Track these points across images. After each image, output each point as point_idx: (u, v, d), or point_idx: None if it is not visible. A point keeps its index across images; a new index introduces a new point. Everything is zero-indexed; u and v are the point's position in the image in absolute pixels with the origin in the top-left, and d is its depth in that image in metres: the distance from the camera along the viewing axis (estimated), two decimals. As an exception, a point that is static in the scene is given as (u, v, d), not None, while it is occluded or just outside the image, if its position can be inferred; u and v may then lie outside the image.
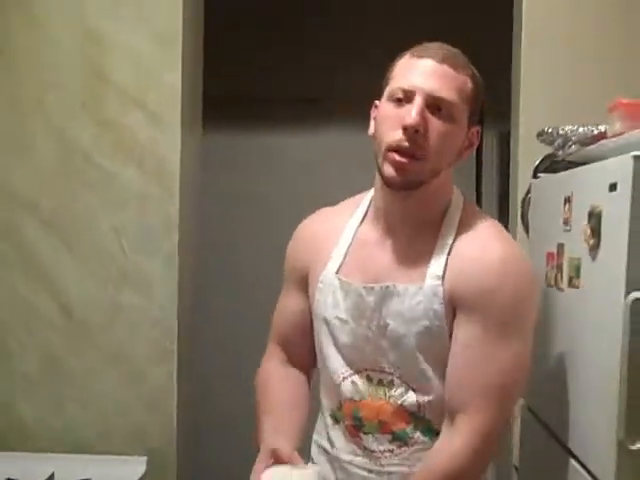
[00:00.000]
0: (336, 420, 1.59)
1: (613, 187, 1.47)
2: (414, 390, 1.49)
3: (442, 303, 1.44)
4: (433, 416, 1.49)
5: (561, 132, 1.91)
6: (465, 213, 1.52)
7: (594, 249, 1.57)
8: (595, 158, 1.73)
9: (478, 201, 3.75)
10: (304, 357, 1.67)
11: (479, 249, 1.46)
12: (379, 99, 1.50)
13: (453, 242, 1.47)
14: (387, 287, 1.48)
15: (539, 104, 2.34)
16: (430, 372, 1.47)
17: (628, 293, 1.40)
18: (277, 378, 1.66)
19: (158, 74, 2.35)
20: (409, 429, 1.50)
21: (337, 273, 1.55)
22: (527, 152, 2.32)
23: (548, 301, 1.89)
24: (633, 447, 1.40)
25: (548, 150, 2.13)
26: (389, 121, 1.43)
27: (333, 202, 1.71)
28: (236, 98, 3.42)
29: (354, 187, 1.70)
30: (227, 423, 3.39)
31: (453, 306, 1.45)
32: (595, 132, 1.83)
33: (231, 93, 3.35)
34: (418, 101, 1.40)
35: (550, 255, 1.89)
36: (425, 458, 1.48)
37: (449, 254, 1.46)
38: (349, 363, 1.54)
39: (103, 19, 2.35)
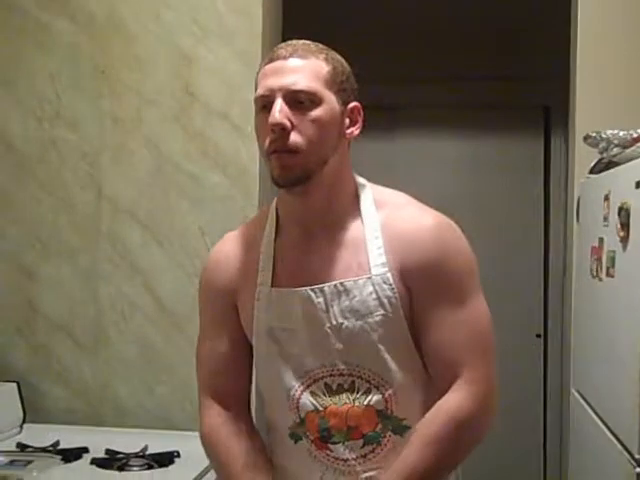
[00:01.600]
0: (297, 438, 1.49)
1: (638, 184, 1.63)
2: (377, 387, 1.44)
3: (393, 288, 1.41)
4: (400, 411, 1.45)
5: (604, 136, 2.05)
6: (377, 194, 1.49)
7: (624, 241, 1.72)
8: (633, 159, 1.88)
9: (546, 202, 3.85)
10: (243, 401, 1.58)
11: (411, 221, 1.44)
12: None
13: (380, 223, 1.45)
14: (335, 285, 1.43)
15: (594, 108, 2.49)
16: (393, 364, 1.43)
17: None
18: (230, 439, 1.53)
19: (240, 90, 2.61)
20: (379, 429, 1.45)
21: (272, 286, 1.48)
22: (583, 154, 2.46)
23: (592, 291, 2.04)
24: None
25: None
26: (261, 129, 1.42)
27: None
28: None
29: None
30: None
31: (406, 286, 1.42)
32: (634, 135, 1.97)
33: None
34: (278, 101, 1.38)
35: (594, 249, 2.04)
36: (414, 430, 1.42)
37: (383, 236, 1.44)
38: (303, 374, 1.46)
39: (192, 40, 2.63)
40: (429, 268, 1.41)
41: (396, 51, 3.69)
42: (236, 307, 1.53)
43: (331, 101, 1.42)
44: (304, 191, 1.43)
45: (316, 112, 1.40)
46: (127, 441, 2.43)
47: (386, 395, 1.44)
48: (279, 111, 1.37)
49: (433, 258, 1.41)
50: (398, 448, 1.42)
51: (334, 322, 1.43)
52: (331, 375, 1.45)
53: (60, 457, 2.30)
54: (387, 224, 1.44)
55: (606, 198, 1.91)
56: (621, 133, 2.01)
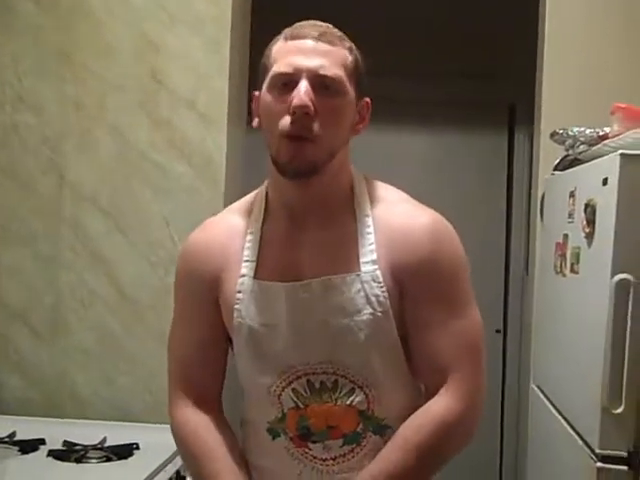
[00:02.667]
0: (275, 434, 1.44)
1: (605, 181, 1.65)
2: (360, 387, 1.40)
3: (382, 286, 1.36)
4: (382, 412, 1.41)
5: (570, 133, 2.08)
6: (372, 189, 1.45)
7: (589, 237, 1.74)
8: (599, 157, 1.90)
9: (509, 198, 3.89)
10: (216, 393, 1.52)
11: (405, 218, 1.40)
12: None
13: (373, 219, 1.40)
14: (323, 281, 1.38)
15: (559, 106, 2.52)
16: (378, 364, 1.39)
17: (614, 275, 1.58)
18: (203, 430, 1.46)
19: (208, 78, 2.58)
20: (360, 429, 1.41)
21: (255, 278, 1.42)
22: (548, 151, 2.49)
23: (555, 287, 2.06)
24: (615, 411, 1.57)
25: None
26: (276, 109, 1.33)
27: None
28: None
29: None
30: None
31: (398, 284, 1.37)
32: (600, 133, 1.99)
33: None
34: (304, 82, 1.31)
35: (558, 245, 2.06)
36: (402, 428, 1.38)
37: (375, 232, 1.39)
38: (285, 370, 1.41)
39: (159, 27, 2.59)
40: (422, 266, 1.36)
41: (363, 45, 3.68)
42: (215, 298, 1.46)
43: (351, 94, 1.37)
44: (308, 182, 1.37)
45: (339, 101, 1.34)
46: (85, 432, 2.40)
47: (369, 396, 1.40)
48: (307, 94, 1.30)
49: (427, 256, 1.36)
50: (377, 449, 1.39)
51: (319, 319, 1.38)
52: (314, 373, 1.40)
53: (17, 448, 2.27)
54: (380, 220, 1.39)
55: (572, 195, 1.93)
56: (588, 131, 2.03)
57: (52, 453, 2.25)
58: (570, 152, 2.11)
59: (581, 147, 2.04)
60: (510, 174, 3.86)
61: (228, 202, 2.59)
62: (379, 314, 1.36)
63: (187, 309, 1.51)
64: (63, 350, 2.62)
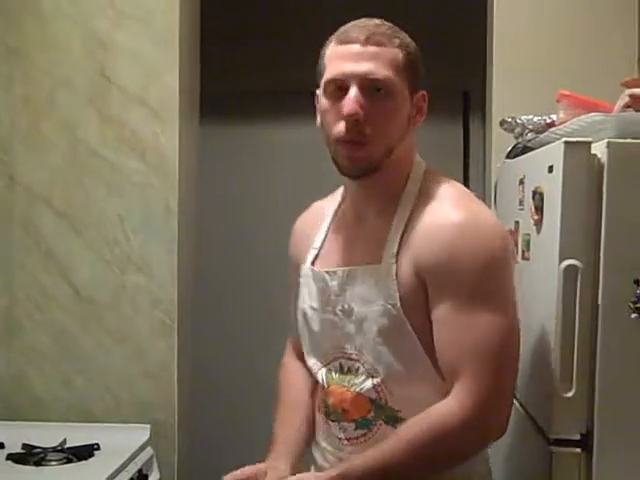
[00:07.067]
0: (318, 407, 1.60)
1: (550, 169, 1.67)
2: (372, 376, 1.46)
3: (394, 280, 1.41)
4: (397, 404, 1.45)
5: (519, 121, 2.09)
6: (426, 182, 1.49)
7: (538, 224, 1.76)
8: (546, 144, 1.92)
9: (465, 186, 3.91)
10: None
11: (437, 215, 1.42)
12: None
13: (411, 214, 1.45)
14: (349, 270, 1.48)
15: (510, 94, 2.55)
16: (390, 356, 1.44)
17: (562, 261, 1.60)
18: (292, 373, 1.70)
19: (158, 74, 2.56)
20: (370, 417, 1.48)
21: (312, 264, 1.57)
22: (502, 138, 2.50)
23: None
24: (566, 395, 1.59)
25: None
26: (330, 114, 1.43)
27: (328, 186, 1.69)
28: (235, 93, 3.58)
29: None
30: (225, 395, 3.59)
31: (419, 279, 1.40)
32: (548, 121, 2.01)
33: (230, 88, 3.52)
34: (353, 89, 1.39)
35: (510, 232, 2.08)
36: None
37: (406, 227, 1.44)
38: (323, 352, 1.55)
39: (106, 22, 2.56)
40: (440, 263, 1.38)
41: (315, 37, 3.66)
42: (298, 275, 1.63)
43: (404, 91, 1.43)
44: (368, 179, 1.46)
45: (390, 103, 1.41)
46: (44, 435, 2.39)
47: (377, 385, 1.46)
48: (355, 102, 1.38)
49: (445, 254, 1.38)
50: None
51: (345, 306, 1.48)
52: (343, 357, 1.51)
53: (-26, 453, 2.24)
54: (415, 216, 1.44)
55: (521, 182, 1.95)
56: (535, 118, 2.05)
57: (11, 457, 2.24)
58: (519, 140, 2.13)
59: (529, 135, 2.06)
60: (466, 161, 3.88)
61: (182, 197, 2.60)
62: (389, 306, 1.42)
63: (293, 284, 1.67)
64: (19, 352, 2.60)
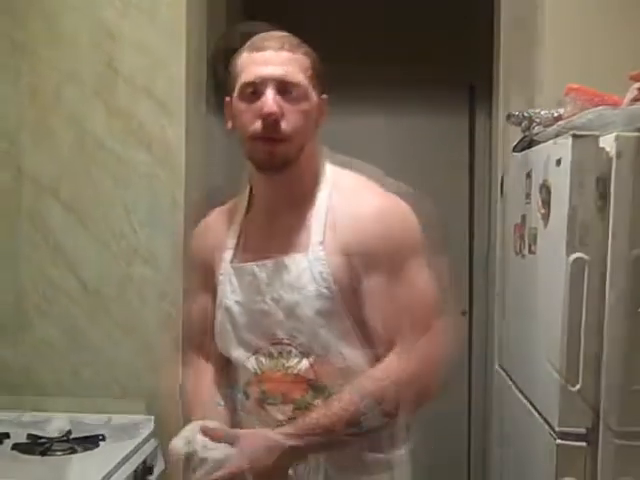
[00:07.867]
0: (247, 396, 1.65)
1: (558, 162, 1.67)
2: (309, 357, 1.54)
3: (325, 264, 1.52)
4: (332, 383, 1.54)
5: (526, 115, 2.09)
6: (337, 176, 1.62)
7: (545, 218, 1.76)
8: (554, 138, 1.92)
9: (471, 180, 3.91)
10: (215, 357, 1.74)
11: (357, 203, 1.55)
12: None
13: (329, 204, 1.57)
14: (277, 261, 1.56)
15: (517, 87, 2.54)
16: (328, 336, 1.53)
17: (569, 254, 1.59)
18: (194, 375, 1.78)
19: (165, 66, 2.55)
20: (308, 397, 1.55)
21: (232, 262, 1.64)
22: (508, 132, 2.50)
23: (515, 267, 2.08)
24: (573, 389, 1.60)
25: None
26: (246, 114, 1.52)
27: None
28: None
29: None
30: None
31: (347, 262, 1.52)
32: (555, 114, 2.01)
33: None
34: (270, 91, 1.50)
35: (517, 226, 2.08)
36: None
37: (326, 217, 1.55)
38: (250, 343, 1.61)
39: (113, 14, 2.55)
40: (367, 244, 1.50)
41: (322, 32, 3.67)
42: (213, 277, 1.68)
43: (312, 95, 1.56)
44: (279, 175, 1.56)
45: (302, 104, 1.53)
46: (50, 425, 2.38)
47: (315, 365, 1.54)
48: (274, 101, 1.49)
49: (370, 235, 1.51)
50: None
51: (275, 295, 1.56)
52: (273, 344, 1.57)
53: (-20, 443, 2.25)
54: (335, 206, 1.56)
55: (528, 176, 1.95)
56: (543, 112, 2.04)
57: (17, 447, 2.24)
58: (526, 133, 2.13)
59: (537, 128, 2.06)
60: (472, 154, 3.88)
61: (189, 189, 2.60)
62: (324, 290, 1.52)
63: (192, 283, 1.78)
64: (27, 344, 2.59)
